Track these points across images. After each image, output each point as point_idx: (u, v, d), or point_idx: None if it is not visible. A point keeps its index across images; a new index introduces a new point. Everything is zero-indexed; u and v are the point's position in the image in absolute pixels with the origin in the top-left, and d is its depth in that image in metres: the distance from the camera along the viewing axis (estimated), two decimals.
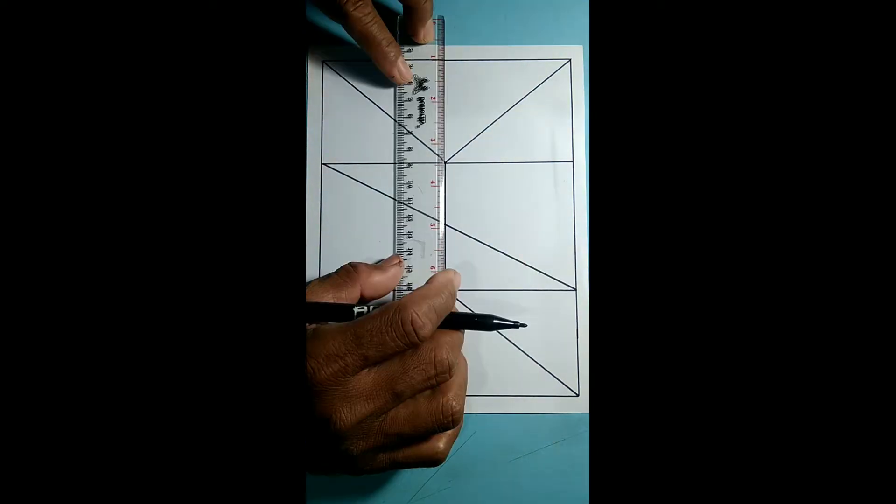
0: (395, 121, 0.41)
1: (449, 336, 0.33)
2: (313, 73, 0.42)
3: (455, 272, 0.37)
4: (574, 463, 0.38)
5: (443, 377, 0.32)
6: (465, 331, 0.35)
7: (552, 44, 0.42)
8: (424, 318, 0.31)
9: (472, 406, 0.39)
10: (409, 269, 0.39)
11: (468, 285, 0.40)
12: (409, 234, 0.40)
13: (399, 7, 0.39)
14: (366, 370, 0.31)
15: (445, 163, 0.41)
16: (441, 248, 0.40)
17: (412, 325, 0.30)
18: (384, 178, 0.41)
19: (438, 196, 0.40)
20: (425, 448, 0.33)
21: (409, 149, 0.41)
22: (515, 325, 0.35)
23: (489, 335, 0.39)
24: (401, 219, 0.40)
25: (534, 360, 0.39)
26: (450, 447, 0.34)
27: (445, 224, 0.40)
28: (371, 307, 0.34)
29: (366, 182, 0.41)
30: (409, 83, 0.41)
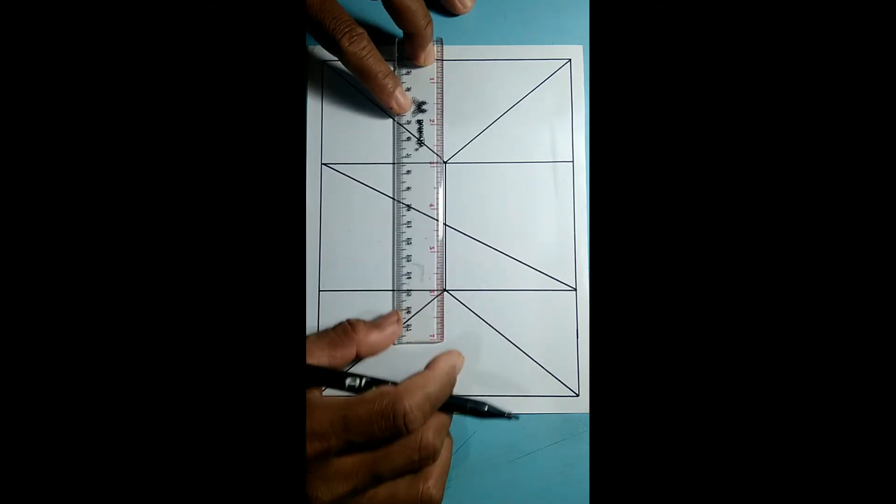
0: (394, 121, 0.41)
1: (437, 419, 0.32)
2: (313, 73, 0.42)
3: (458, 355, 0.36)
4: (574, 463, 0.38)
5: (426, 462, 0.31)
6: (468, 318, 0.35)
7: (552, 44, 0.42)
8: (418, 411, 0.30)
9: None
10: (408, 303, 0.39)
11: (468, 285, 0.40)
12: (409, 241, 0.40)
13: (399, 31, 0.39)
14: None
15: (445, 163, 0.41)
16: (441, 249, 0.40)
17: (404, 419, 0.30)
18: (384, 179, 0.41)
19: (438, 197, 0.40)
20: None
21: (408, 155, 0.41)
22: (509, 416, 0.35)
23: (489, 332, 0.39)
24: (400, 218, 0.40)
25: (534, 360, 0.39)
26: None
27: (445, 224, 0.40)
28: (363, 381, 0.34)
29: (366, 182, 0.41)
30: (409, 110, 0.41)
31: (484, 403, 0.34)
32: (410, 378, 0.32)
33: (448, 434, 0.35)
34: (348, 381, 0.34)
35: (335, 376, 0.34)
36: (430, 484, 0.32)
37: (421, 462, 0.31)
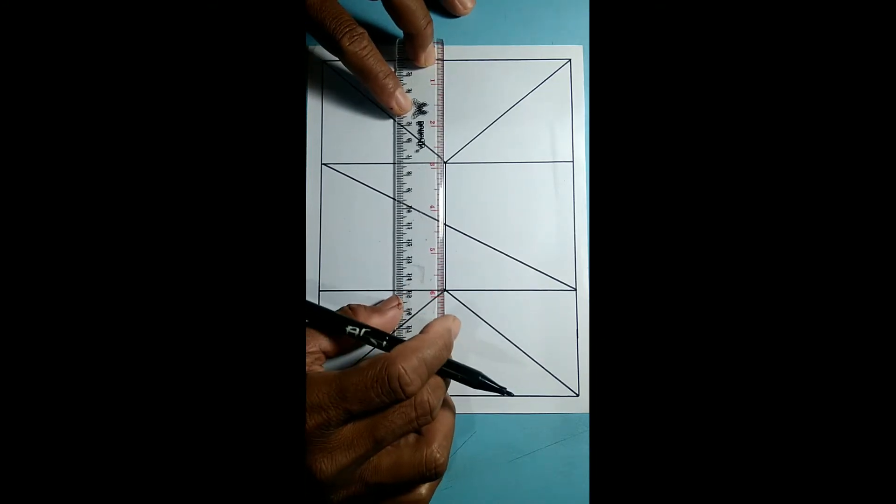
0: (395, 122, 0.41)
1: (432, 378, 0.32)
2: (313, 73, 0.42)
3: (454, 318, 0.37)
4: (574, 463, 0.38)
5: (424, 419, 0.31)
6: (469, 318, 0.35)
7: (552, 44, 0.42)
8: (413, 374, 0.30)
9: (472, 406, 0.39)
10: (409, 305, 0.39)
11: (468, 285, 0.40)
12: (409, 243, 0.40)
13: (399, 31, 0.39)
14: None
15: (445, 163, 0.41)
16: (441, 250, 0.40)
17: (399, 381, 0.30)
18: (384, 179, 0.41)
19: (438, 197, 0.40)
20: (406, 498, 0.33)
21: (409, 157, 0.41)
22: (501, 391, 0.35)
23: (489, 332, 0.39)
24: (401, 219, 0.40)
25: (534, 360, 0.39)
26: (432, 494, 0.34)
27: (446, 225, 0.40)
28: (363, 330, 0.34)
29: (366, 182, 0.41)
30: (409, 111, 0.41)
31: (478, 373, 0.34)
32: (405, 342, 0.32)
33: (449, 399, 0.35)
34: (349, 329, 0.34)
35: (336, 322, 0.34)
36: (434, 447, 0.32)
37: (419, 420, 0.31)
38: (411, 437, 0.33)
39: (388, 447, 0.32)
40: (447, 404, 0.35)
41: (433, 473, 0.32)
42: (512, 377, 0.39)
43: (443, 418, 0.34)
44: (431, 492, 0.34)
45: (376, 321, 0.36)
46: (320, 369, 0.34)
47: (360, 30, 0.37)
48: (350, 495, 0.31)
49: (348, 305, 0.37)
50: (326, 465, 0.29)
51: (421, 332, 0.34)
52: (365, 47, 0.37)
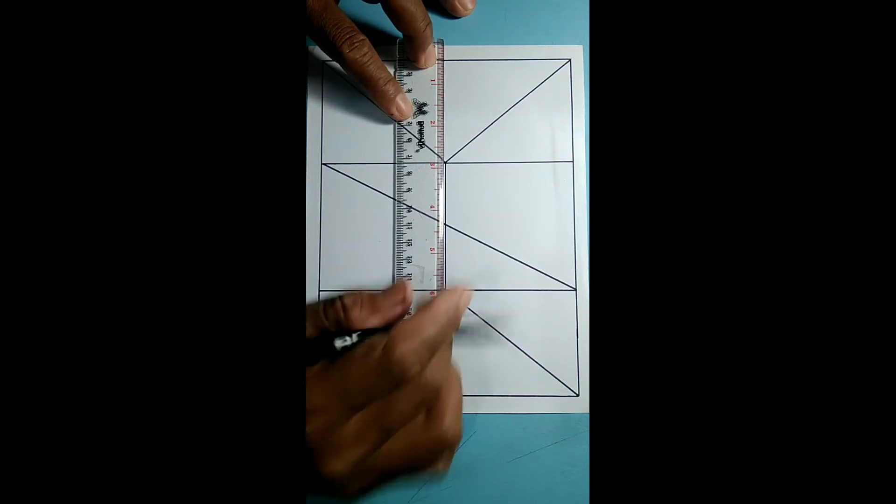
0: (395, 121, 0.41)
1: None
2: (313, 73, 0.42)
3: (462, 292, 0.31)
4: (574, 463, 0.38)
5: (432, 400, 0.30)
6: (469, 318, 0.34)
7: (552, 44, 0.42)
8: (413, 357, 0.28)
9: (472, 406, 0.39)
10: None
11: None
12: (409, 243, 0.40)
13: (399, 32, 0.39)
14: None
15: (445, 163, 0.41)
16: (441, 250, 0.40)
17: (400, 366, 0.28)
18: (384, 179, 0.41)
19: (438, 197, 0.40)
20: (425, 470, 0.31)
21: (409, 156, 0.41)
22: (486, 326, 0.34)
23: (489, 332, 0.39)
24: (401, 219, 0.40)
25: (534, 360, 0.39)
26: (450, 463, 0.32)
27: (446, 225, 0.40)
28: (353, 338, 0.30)
29: (366, 182, 0.41)
30: (410, 116, 0.41)
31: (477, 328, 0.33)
32: (404, 321, 0.29)
33: (455, 368, 0.31)
34: (338, 343, 0.30)
35: (322, 342, 0.30)
36: (447, 422, 0.30)
37: (427, 401, 0.29)
38: (420, 417, 0.30)
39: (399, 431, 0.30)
40: (453, 373, 0.32)
41: (450, 449, 0.30)
42: (512, 377, 0.39)
43: (450, 390, 0.31)
44: (449, 463, 0.32)
45: (372, 322, 0.32)
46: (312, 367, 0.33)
47: (361, 37, 0.37)
48: (366, 485, 0.30)
49: (341, 300, 0.32)
50: (337, 464, 0.28)
51: (425, 306, 0.30)
52: (365, 54, 0.37)
